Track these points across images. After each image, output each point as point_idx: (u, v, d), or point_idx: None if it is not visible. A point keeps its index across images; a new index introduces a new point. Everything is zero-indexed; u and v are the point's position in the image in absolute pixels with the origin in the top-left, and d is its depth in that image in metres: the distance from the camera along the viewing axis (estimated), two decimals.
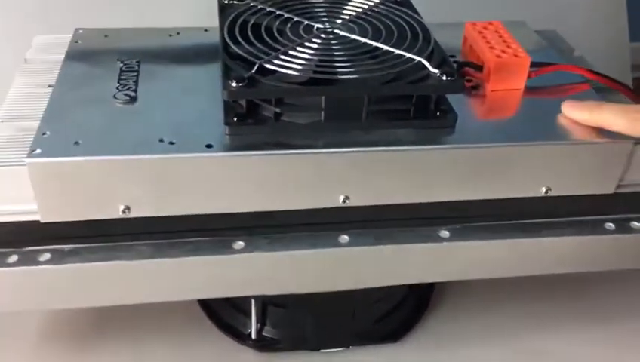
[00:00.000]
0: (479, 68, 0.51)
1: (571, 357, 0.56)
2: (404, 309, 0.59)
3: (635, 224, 0.50)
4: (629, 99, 0.53)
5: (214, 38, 0.49)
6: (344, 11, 0.52)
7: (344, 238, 0.47)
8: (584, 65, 0.56)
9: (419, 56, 0.46)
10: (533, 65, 0.51)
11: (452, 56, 0.54)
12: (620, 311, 0.60)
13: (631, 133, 0.45)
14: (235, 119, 0.44)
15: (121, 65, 0.51)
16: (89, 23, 0.58)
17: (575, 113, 0.47)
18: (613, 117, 0.45)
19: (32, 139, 0.43)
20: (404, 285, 0.58)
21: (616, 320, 0.60)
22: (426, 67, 0.46)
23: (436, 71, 0.45)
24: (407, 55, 0.46)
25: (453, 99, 0.48)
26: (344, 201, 0.46)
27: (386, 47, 0.47)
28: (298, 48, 0.47)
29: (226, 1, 0.53)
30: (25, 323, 0.56)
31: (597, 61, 0.84)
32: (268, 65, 0.44)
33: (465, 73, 0.52)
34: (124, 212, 0.43)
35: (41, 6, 0.72)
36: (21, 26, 0.63)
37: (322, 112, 0.45)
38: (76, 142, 0.43)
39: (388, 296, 0.57)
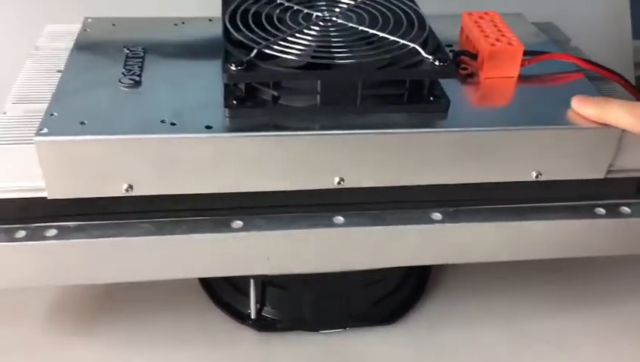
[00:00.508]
0: (474, 56, 0.53)
1: (565, 340, 0.57)
2: (400, 292, 0.60)
3: (624, 209, 0.51)
4: (624, 88, 0.54)
5: (218, 27, 0.51)
6: (343, 0, 0.54)
7: (339, 219, 0.48)
8: (580, 56, 0.57)
9: (413, 42, 0.48)
10: (526, 53, 0.52)
11: (449, 46, 0.56)
12: (612, 296, 0.62)
13: (637, 132, 0.46)
14: (235, 102, 0.46)
15: (128, 52, 0.53)
16: (100, 12, 0.60)
17: (583, 109, 0.48)
18: (621, 114, 0.46)
19: (40, 119, 0.45)
20: (400, 268, 0.60)
21: (610, 305, 0.61)
22: (420, 53, 0.47)
23: (430, 57, 0.47)
24: (402, 42, 0.48)
25: (448, 86, 0.49)
26: (339, 183, 0.47)
27: (382, 34, 0.49)
28: (297, 35, 0.48)
29: None
30: (32, 299, 0.58)
31: (599, 58, 0.85)
32: (267, 51, 0.46)
33: (461, 61, 0.53)
34: (127, 190, 0.45)
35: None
36: (34, 15, 0.66)
37: (318, 96, 0.46)
38: (82, 123, 0.44)
39: (384, 279, 0.59)
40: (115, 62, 0.52)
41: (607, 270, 0.63)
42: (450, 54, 0.54)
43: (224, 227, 0.47)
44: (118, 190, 0.45)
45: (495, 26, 0.54)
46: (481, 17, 0.55)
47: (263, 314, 0.58)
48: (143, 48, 0.54)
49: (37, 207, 0.46)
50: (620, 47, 0.86)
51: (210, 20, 0.58)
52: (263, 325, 0.57)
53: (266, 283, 0.57)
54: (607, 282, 0.63)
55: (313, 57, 0.46)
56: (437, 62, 0.46)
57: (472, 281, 0.62)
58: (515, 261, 0.53)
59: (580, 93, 0.49)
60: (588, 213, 0.51)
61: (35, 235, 0.46)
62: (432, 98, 0.48)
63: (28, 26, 0.61)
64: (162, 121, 0.45)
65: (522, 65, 0.52)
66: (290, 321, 0.57)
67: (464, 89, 0.52)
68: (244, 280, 0.56)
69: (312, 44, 0.47)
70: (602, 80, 0.54)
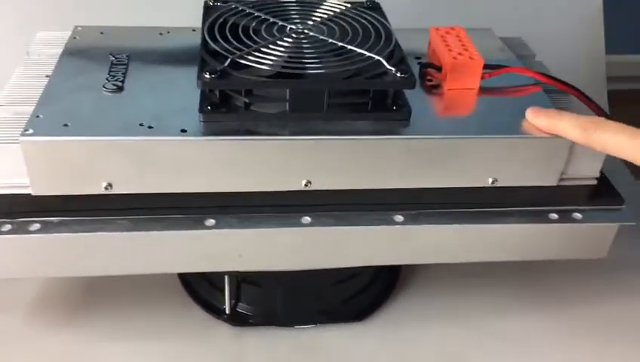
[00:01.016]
0: (439, 69, 0.56)
1: (519, 337, 0.60)
2: (369, 291, 0.63)
3: (576, 215, 0.54)
4: (579, 100, 0.57)
5: (200, 37, 0.54)
6: (316, 14, 0.57)
7: (306, 219, 0.51)
8: (543, 70, 0.60)
9: (379, 55, 0.51)
10: (487, 67, 0.55)
11: (419, 58, 0.60)
12: (566, 298, 0.65)
13: (583, 143, 0.48)
14: (209, 107, 0.49)
15: (113, 59, 0.57)
16: (90, 21, 0.64)
17: (536, 120, 0.51)
18: (569, 126, 0.49)
19: (26, 121, 0.48)
20: (370, 269, 0.63)
21: (563, 306, 0.64)
22: (383, 65, 0.50)
23: (393, 69, 0.50)
24: (368, 54, 0.51)
25: (414, 96, 0.53)
26: (306, 185, 0.50)
27: (350, 47, 0.52)
28: (270, 46, 0.52)
29: (211, 3, 0.58)
30: (16, 290, 0.61)
31: (573, 72, 0.89)
32: (240, 60, 0.49)
33: (427, 73, 0.57)
34: (106, 188, 0.48)
35: (47, 6, 0.78)
36: (27, 23, 0.69)
37: (287, 103, 0.50)
38: (65, 125, 0.48)
39: (354, 278, 0.62)
40: (101, 69, 0.55)
41: (563, 274, 0.66)
42: (418, 66, 0.58)
43: (198, 225, 0.50)
44: (98, 188, 0.48)
45: (459, 40, 0.57)
46: (447, 32, 0.58)
47: (237, 309, 0.60)
48: (127, 55, 0.57)
49: (22, 203, 0.49)
50: (593, 62, 0.89)
51: (193, 30, 0.61)
52: (237, 320, 0.60)
53: (241, 280, 0.60)
54: (562, 285, 0.66)
55: (283, 67, 0.49)
56: (398, 74, 0.49)
57: (438, 282, 0.65)
58: (478, 264, 0.56)
59: (535, 105, 0.52)
60: (542, 218, 0.53)
61: (19, 229, 0.49)
62: (395, 107, 0.51)
63: (24, 33, 0.65)
64: (141, 125, 0.48)
65: (483, 78, 0.55)
66: (262, 317, 0.60)
67: (429, 99, 0.55)
68: (219, 277, 0.59)
69: (284, 54, 0.51)
70: (560, 93, 0.57)
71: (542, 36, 0.86)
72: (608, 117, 0.56)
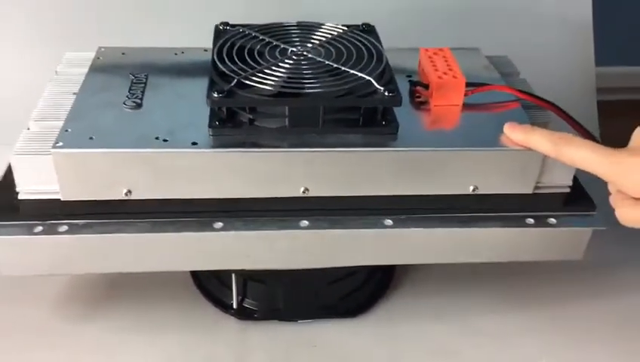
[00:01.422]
0: (426, 86, 0.61)
1: (505, 333, 0.66)
2: (365, 290, 0.69)
3: (551, 220, 0.59)
4: (556, 115, 0.62)
5: (210, 56, 0.60)
6: (315, 37, 0.63)
7: (304, 223, 0.57)
8: (526, 88, 0.65)
9: (369, 75, 0.56)
10: (469, 85, 0.60)
11: (409, 76, 0.65)
12: (553, 298, 0.70)
13: (553, 156, 0.53)
14: (217, 123, 0.55)
15: (133, 77, 0.63)
16: (112, 42, 0.70)
17: (513, 134, 0.56)
18: (541, 140, 0.53)
19: (56, 135, 0.54)
20: (365, 269, 0.68)
21: (546, 305, 0.69)
22: (373, 85, 0.56)
23: (381, 88, 0.55)
24: (360, 74, 0.57)
25: (403, 111, 0.58)
26: (304, 192, 0.56)
27: (344, 68, 0.58)
28: (272, 67, 0.57)
29: (221, 27, 0.65)
30: (46, 286, 0.67)
31: (564, 84, 0.94)
32: (245, 81, 0.55)
33: (416, 91, 0.62)
34: (126, 194, 0.54)
35: (73, 29, 0.86)
36: (55, 44, 0.75)
37: (287, 119, 0.55)
38: (91, 138, 0.54)
39: (349, 276, 0.67)
40: (122, 87, 0.61)
41: (545, 275, 0.71)
42: (408, 84, 0.63)
43: (207, 227, 0.56)
44: (119, 194, 0.54)
45: (445, 61, 0.62)
46: (435, 53, 0.64)
47: (243, 305, 0.66)
48: (145, 75, 0.63)
49: (52, 207, 0.55)
50: (583, 74, 0.93)
51: (205, 50, 0.67)
52: (243, 314, 0.66)
53: (247, 278, 0.65)
54: (543, 286, 0.71)
55: (283, 87, 0.55)
56: (387, 93, 0.55)
57: (429, 283, 0.70)
58: (466, 266, 0.61)
59: (513, 121, 0.57)
60: (519, 222, 0.58)
61: (49, 230, 0.55)
62: (384, 122, 0.57)
63: (49, 54, 0.71)
64: (157, 138, 0.54)
65: (466, 95, 0.60)
66: (266, 312, 0.66)
67: (416, 114, 0.60)
68: (227, 275, 0.65)
69: (284, 75, 0.56)
70: (538, 108, 0.62)
71: (534, 49, 0.91)
72: (585, 130, 0.62)
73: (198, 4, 0.88)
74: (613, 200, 0.52)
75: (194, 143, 0.54)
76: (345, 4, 0.88)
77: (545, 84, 0.76)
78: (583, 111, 0.90)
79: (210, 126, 0.55)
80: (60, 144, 0.53)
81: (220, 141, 0.55)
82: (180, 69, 0.65)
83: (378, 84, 0.56)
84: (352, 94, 0.55)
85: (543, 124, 0.60)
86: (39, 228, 0.55)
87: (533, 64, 0.84)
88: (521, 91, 0.62)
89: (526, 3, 0.91)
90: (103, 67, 0.65)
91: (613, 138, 0.55)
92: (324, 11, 0.88)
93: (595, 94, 0.94)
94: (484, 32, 0.88)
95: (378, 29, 0.66)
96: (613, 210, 0.51)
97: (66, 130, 0.55)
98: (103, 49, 0.68)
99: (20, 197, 0.55)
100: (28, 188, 0.55)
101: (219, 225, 0.56)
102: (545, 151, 0.54)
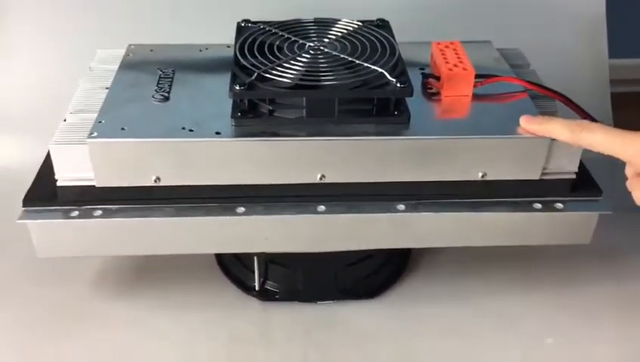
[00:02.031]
0: (438, 78, 0.64)
1: (513, 314, 0.68)
2: (382, 272, 0.72)
3: (558, 205, 0.61)
4: (565, 105, 0.65)
5: (233, 52, 0.63)
6: (332, 32, 0.66)
7: (321, 208, 0.60)
8: (535, 79, 0.68)
9: (382, 68, 0.60)
10: (479, 76, 0.63)
11: (422, 69, 0.68)
12: (562, 281, 0.72)
13: (572, 142, 0.56)
14: (239, 114, 0.59)
15: (160, 73, 0.67)
16: (142, 39, 0.74)
17: (529, 125, 0.59)
18: (559, 129, 0.56)
19: (91, 126, 0.59)
20: (382, 252, 0.71)
21: (559, 288, 0.71)
22: (386, 77, 0.59)
23: (393, 80, 0.59)
24: (373, 67, 0.60)
25: (416, 102, 0.61)
26: (321, 178, 0.59)
27: (358, 61, 0.61)
28: (290, 61, 0.61)
29: (243, 24, 0.68)
30: (82, 267, 0.72)
31: (578, 76, 0.96)
32: (265, 74, 0.59)
33: (428, 83, 0.65)
34: (155, 181, 0.58)
35: (106, 28, 0.90)
36: (89, 42, 0.80)
37: (304, 110, 0.59)
38: (122, 128, 0.58)
39: (367, 259, 0.70)
40: (150, 81, 0.65)
41: (555, 259, 0.74)
42: (421, 76, 0.66)
43: (230, 211, 0.59)
44: (149, 181, 0.58)
45: (456, 53, 0.65)
46: (446, 46, 0.67)
47: (265, 286, 0.70)
48: (172, 70, 0.67)
49: (87, 193, 0.59)
50: (597, 65, 0.95)
51: (228, 47, 0.70)
52: (265, 296, 0.69)
53: (268, 261, 0.69)
54: (554, 269, 0.73)
55: (301, 80, 0.58)
56: (398, 85, 0.58)
57: (443, 266, 0.74)
58: (478, 250, 0.64)
59: (520, 110, 0.60)
60: (527, 207, 0.61)
61: (85, 215, 0.59)
62: (396, 112, 0.60)
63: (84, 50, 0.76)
64: (183, 128, 0.58)
65: (475, 86, 0.63)
66: (287, 293, 0.69)
67: (428, 105, 0.63)
68: (250, 258, 0.69)
69: (302, 69, 0.60)
70: (546, 98, 0.65)
71: (548, 42, 0.93)
72: (592, 118, 0.64)
73: (221, 3, 0.92)
74: (630, 183, 0.54)
75: (217, 133, 0.58)
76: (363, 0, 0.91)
77: (559, 76, 0.78)
78: (596, 102, 0.93)
79: (232, 117, 0.59)
80: (95, 134, 0.57)
81: (242, 131, 0.58)
82: (204, 64, 0.69)
83: (390, 76, 0.59)
84: (365, 86, 0.59)
85: (551, 114, 0.63)
86: (75, 213, 0.59)
87: (547, 56, 0.87)
88: (529, 82, 0.64)
89: None
90: (133, 63, 0.69)
91: (627, 129, 0.57)
92: (343, 6, 0.91)
93: (609, 86, 0.95)
94: (498, 25, 0.90)
95: (394, 24, 0.69)
96: (628, 193, 0.53)
97: (100, 122, 0.59)
98: (132, 46, 0.72)
99: (58, 184, 0.59)
100: (65, 175, 0.59)
101: (241, 209, 0.60)
102: (564, 139, 0.56)
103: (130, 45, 0.73)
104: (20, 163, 0.86)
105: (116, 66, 0.69)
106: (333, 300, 0.70)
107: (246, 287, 0.70)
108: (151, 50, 0.72)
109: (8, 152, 0.90)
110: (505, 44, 0.75)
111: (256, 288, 0.69)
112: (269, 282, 0.70)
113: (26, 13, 0.92)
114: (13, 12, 0.91)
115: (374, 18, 0.70)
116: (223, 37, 0.71)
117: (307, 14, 0.69)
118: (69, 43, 0.91)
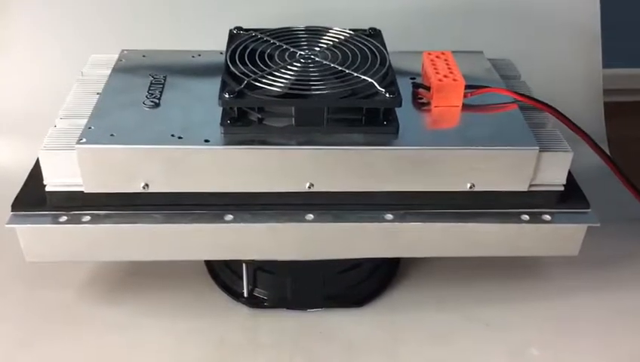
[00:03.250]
0: (428, 88, 0.64)
1: (501, 323, 0.68)
2: (371, 281, 0.72)
3: (546, 217, 0.61)
4: (554, 117, 0.65)
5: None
6: (323, 41, 0.66)
7: (309, 216, 0.60)
8: (525, 91, 0.68)
9: (372, 78, 0.60)
10: (469, 87, 0.63)
11: (413, 78, 0.68)
12: (549, 290, 0.72)
13: None
14: (228, 122, 0.59)
15: (152, 78, 0.67)
16: (134, 45, 0.74)
17: None
18: None
19: (80, 131, 0.59)
20: (371, 261, 0.71)
21: (546, 297, 0.71)
22: (375, 86, 0.59)
23: (383, 90, 0.59)
24: (363, 77, 0.60)
25: (405, 112, 0.61)
26: (309, 187, 0.59)
27: (348, 71, 0.61)
28: (280, 70, 0.61)
29: (235, 31, 0.69)
30: (70, 272, 0.72)
31: (572, 85, 0.96)
32: (255, 82, 0.59)
33: (418, 93, 0.65)
34: (144, 187, 0.58)
35: (99, 34, 0.90)
36: (82, 47, 0.80)
37: (293, 119, 0.59)
38: (112, 135, 0.58)
39: (355, 268, 0.70)
40: (141, 87, 0.65)
41: (542, 269, 0.74)
42: (412, 86, 0.66)
43: (218, 219, 0.59)
44: (137, 187, 0.58)
45: (447, 64, 0.65)
46: (437, 56, 0.67)
47: (254, 293, 0.70)
48: (164, 76, 0.68)
49: (76, 198, 0.59)
50: (590, 76, 0.95)
51: (220, 53, 0.70)
52: (253, 302, 0.69)
53: (257, 269, 0.69)
54: (541, 279, 0.74)
55: (290, 88, 0.59)
56: (387, 95, 0.58)
57: (431, 275, 0.74)
58: (467, 259, 0.64)
59: (510, 122, 0.61)
60: (515, 219, 0.61)
61: (73, 220, 0.59)
62: (385, 122, 0.60)
63: (76, 55, 0.76)
64: (172, 135, 0.58)
65: (465, 96, 0.63)
66: (275, 300, 0.69)
67: (418, 115, 0.63)
68: (239, 265, 0.69)
69: (292, 77, 0.60)
70: (535, 110, 0.65)
71: (541, 51, 0.93)
72: (581, 131, 0.64)
73: (214, 9, 0.92)
74: None
75: (206, 140, 0.58)
76: (356, 8, 0.91)
77: (552, 85, 0.79)
78: (589, 112, 0.93)
79: (221, 124, 0.59)
80: (84, 140, 0.57)
81: (231, 139, 0.59)
82: (196, 70, 0.69)
83: (380, 86, 0.59)
84: (354, 95, 0.59)
85: (541, 125, 0.63)
86: (64, 218, 0.59)
87: (540, 66, 0.87)
88: (518, 93, 0.65)
89: (534, 5, 0.93)
90: (125, 69, 0.70)
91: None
92: (338, 15, 0.91)
93: (602, 96, 0.95)
94: (492, 34, 0.91)
95: (387, 34, 0.69)
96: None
97: (90, 128, 0.59)
98: (125, 52, 0.73)
99: (46, 189, 0.59)
100: (54, 180, 0.59)
101: (229, 217, 0.60)
102: None
103: (123, 50, 0.73)
104: (15, 165, 0.86)
105: (108, 71, 0.69)
106: (322, 308, 0.70)
107: (235, 294, 0.70)
108: (143, 56, 0.72)
109: (3, 154, 0.90)
110: (499, 53, 0.76)
111: (245, 295, 0.69)
112: (258, 289, 0.70)
113: (23, 14, 0.92)
114: (10, 13, 0.91)
115: (369, 25, 0.70)
116: (219, 43, 0.71)
117: (305, 21, 0.69)
118: (66, 45, 0.91)
